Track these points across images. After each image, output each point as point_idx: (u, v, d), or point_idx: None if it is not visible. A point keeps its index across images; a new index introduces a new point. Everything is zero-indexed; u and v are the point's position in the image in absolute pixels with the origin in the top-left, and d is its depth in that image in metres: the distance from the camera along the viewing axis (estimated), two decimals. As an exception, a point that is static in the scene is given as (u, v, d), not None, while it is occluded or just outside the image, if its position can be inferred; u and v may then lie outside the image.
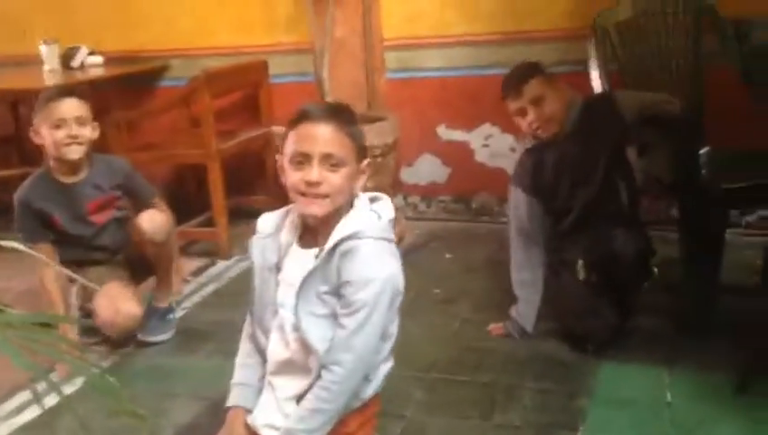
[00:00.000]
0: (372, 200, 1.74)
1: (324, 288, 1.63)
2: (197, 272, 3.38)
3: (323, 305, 1.64)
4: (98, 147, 2.75)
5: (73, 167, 2.61)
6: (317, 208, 1.64)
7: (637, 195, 2.56)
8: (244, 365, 1.79)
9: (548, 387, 2.24)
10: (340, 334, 1.61)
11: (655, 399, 2.13)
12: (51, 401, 1.99)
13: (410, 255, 3.39)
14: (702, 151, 2.43)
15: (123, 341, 2.69)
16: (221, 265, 3.46)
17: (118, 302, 2.54)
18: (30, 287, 2.83)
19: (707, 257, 2.45)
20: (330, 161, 1.62)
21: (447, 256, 3.40)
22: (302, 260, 1.68)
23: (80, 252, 2.67)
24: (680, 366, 2.27)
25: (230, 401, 1.76)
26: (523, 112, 2.46)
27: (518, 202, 2.52)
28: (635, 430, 2.00)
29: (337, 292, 1.62)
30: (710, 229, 2.45)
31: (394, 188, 3.85)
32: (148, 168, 2.85)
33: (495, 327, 2.61)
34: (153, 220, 2.62)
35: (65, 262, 2.62)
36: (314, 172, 1.61)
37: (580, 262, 2.41)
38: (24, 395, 2.35)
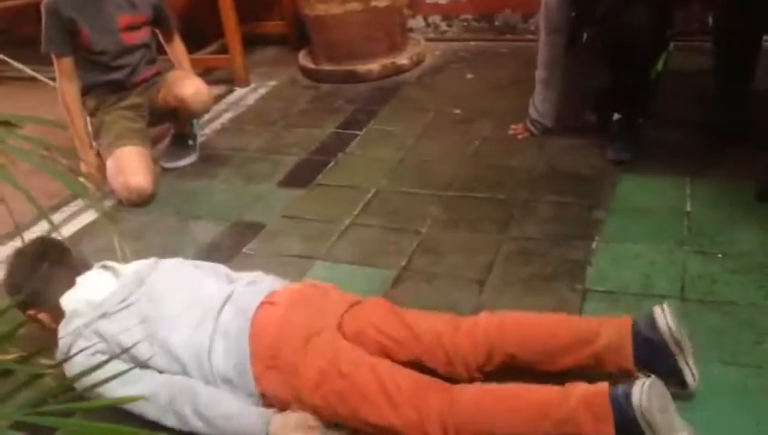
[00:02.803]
0: None
1: None
2: (215, 100, 3.32)
3: None
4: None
5: None
6: None
7: None
8: None
9: (566, 200, 2.22)
10: None
11: (674, 208, 2.10)
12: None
13: (430, 76, 3.30)
14: None
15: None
16: (238, 92, 3.40)
17: (127, 174, 2.46)
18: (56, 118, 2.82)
19: (742, 61, 2.34)
20: None
21: (469, 76, 3.29)
22: None
23: (98, 73, 2.61)
24: (703, 176, 2.22)
25: None
26: None
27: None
28: (652, 238, 1.97)
29: None
30: (749, 29, 2.29)
31: (412, 8, 3.68)
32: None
33: (516, 128, 2.65)
34: (198, 93, 2.60)
35: (83, 87, 2.62)
36: None
37: (585, 34, 2.38)
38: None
